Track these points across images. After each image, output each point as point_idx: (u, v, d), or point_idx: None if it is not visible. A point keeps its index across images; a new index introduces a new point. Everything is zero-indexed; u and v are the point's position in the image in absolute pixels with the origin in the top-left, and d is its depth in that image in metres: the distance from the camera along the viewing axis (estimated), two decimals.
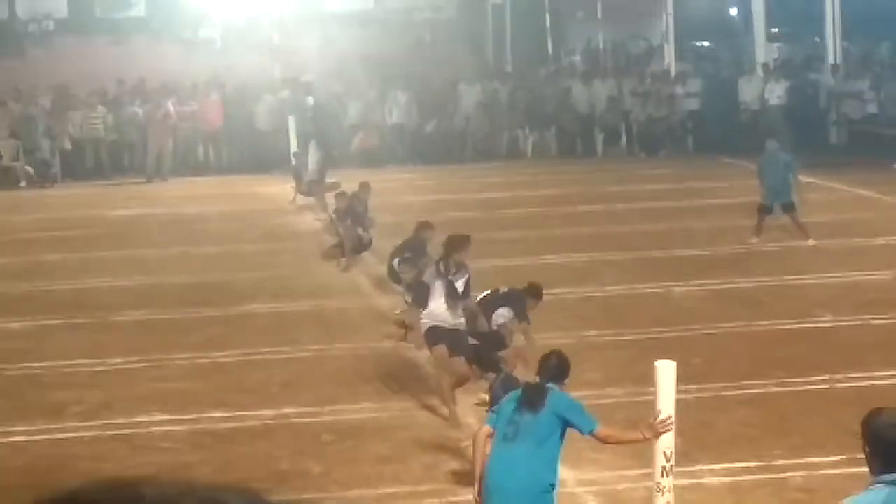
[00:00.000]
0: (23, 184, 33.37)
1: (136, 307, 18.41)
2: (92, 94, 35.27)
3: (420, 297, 13.60)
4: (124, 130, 34.98)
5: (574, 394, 9.61)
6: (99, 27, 40.25)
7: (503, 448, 9.02)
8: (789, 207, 21.56)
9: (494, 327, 13.54)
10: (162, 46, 38.93)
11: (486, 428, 9.27)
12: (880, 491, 6.34)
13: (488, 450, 9.14)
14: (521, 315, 13.62)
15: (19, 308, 18.51)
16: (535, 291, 13.89)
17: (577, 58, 42.27)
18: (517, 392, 9.49)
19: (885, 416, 6.55)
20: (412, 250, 17.37)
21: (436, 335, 13.14)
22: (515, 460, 8.70)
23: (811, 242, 21.16)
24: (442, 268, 13.29)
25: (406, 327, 15.52)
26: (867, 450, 6.52)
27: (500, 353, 13.16)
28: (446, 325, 13.13)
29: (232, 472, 11.44)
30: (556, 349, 9.91)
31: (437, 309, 13.15)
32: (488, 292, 13.95)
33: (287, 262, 21.37)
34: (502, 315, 13.64)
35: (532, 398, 9.15)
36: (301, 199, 26.64)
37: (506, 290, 13.97)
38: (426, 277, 13.79)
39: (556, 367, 9.45)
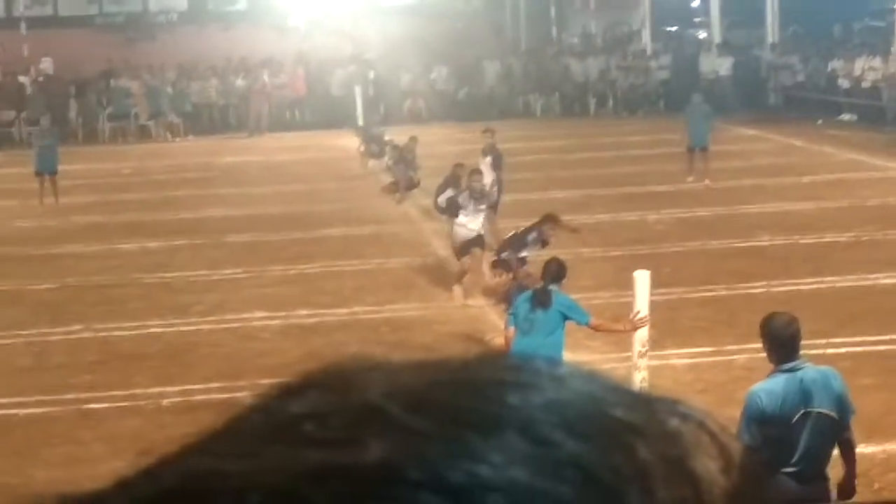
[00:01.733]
0: (156, 136, 33.48)
1: (241, 231, 18.48)
2: (207, 70, 35.29)
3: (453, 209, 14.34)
4: (231, 97, 35.00)
5: (571, 296, 9.67)
6: (211, 17, 40.17)
7: (522, 340, 9.09)
8: (704, 149, 21.41)
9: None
10: (259, 32, 38.80)
11: (512, 329, 9.37)
12: (779, 378, 6.35)
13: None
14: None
15: (154, 231, 18.62)
16: (551, 218, 13.57)
17: (575, 40, 41.93)
18: (528, 294, 9.53)
19: (777, 319, 6.53)
20: (450, 184, 17.39)
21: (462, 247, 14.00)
22: (533, 349, 8.75)
23: (707, 182, 20.88)
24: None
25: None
26: (766, 346, 6.53)
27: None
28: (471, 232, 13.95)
29: (313, 356, 11.50)
30: (554, 256, 10.00)
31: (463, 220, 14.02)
32: (513, 233, 13.63)
33: (354, 197, 21.37)
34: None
35: (542, 299, 9.20)
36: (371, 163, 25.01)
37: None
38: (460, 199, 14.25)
39: (556, 271, 9.51)
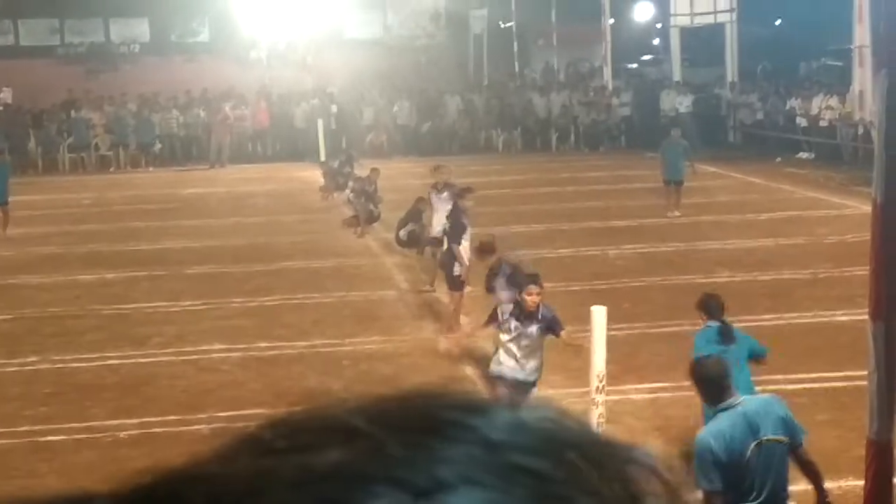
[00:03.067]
0: (113, 168, 33.31)
1: (202, 263, 18.41)
2: (168, 101, 35.21)
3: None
4: (192, 128, 34.92)
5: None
6: (174, 49, 40.21)
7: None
8: (679, 184, 21.97)
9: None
10: (222, 64, 38.85)
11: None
12: (722, 417, 6.39)
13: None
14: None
15: (113, 263, 18.50)
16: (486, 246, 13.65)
17: (537, 75, 42.21)
18: (710, 334, 9.13)
19: (705, 362, 6.70)
20: (411, 218, 17.43)
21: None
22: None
23: (677, 213, 21.49)
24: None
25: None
26: (701, 391, 6.61)
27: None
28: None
29: (273, 389, 11.47)
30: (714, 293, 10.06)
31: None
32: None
33: (316, 230, 21.34)
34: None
35: (728, 335, 8.95)
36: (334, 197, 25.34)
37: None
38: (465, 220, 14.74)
39: (721, 305, 9.38)
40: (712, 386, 6.46)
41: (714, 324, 9.00)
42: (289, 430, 0.63)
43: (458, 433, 0.60)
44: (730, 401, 6.36)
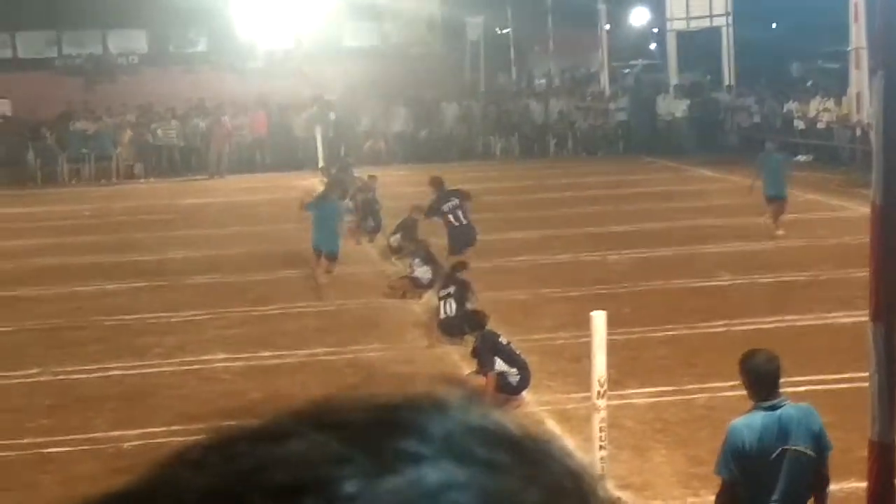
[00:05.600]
0: (114, 179, 33.32)
1: (202, 273, 18.40)
2: (167, 111, 35.21)
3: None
4: (191, 138, 34.91)
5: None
6: (172, 59, 40.22)
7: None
8: (782, 200, 19.84)
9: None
10: (220, 74, 38.88)
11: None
12: (758, 414, 6.35)
13: None
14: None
15: (114, 274, 18.50)
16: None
17: (535, 81, 42.26)
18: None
19: (758, 356, 6.53)
20: (405, 228, 17.47)
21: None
22: None
23: (780, 232, 19.53)
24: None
25: (401, 287, 15.80)
26: (745, 382, 6.52)
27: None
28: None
29: (275, 398, 11.43)
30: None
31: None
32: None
33: None
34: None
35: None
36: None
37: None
38: None
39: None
40: (759, 381, 6.38)
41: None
42: (254, 436, 0.68)
43: (411, 428, 0.64)
44: (773, 401, 6.31)
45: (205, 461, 0.66)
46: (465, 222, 17.05)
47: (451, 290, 13.66)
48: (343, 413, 0.66)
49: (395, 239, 18.06)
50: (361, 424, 0.65)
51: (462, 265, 14.21)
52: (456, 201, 17.11)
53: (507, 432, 0.67)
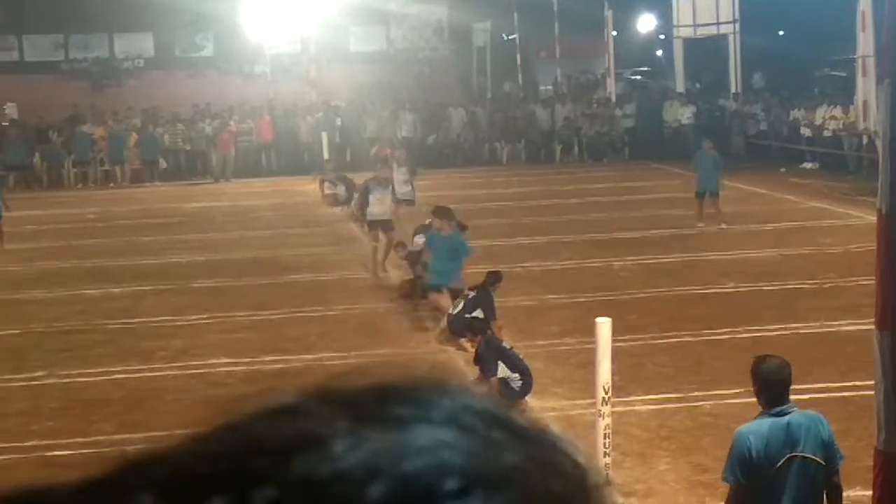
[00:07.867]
0: (119, 182, 33.37)
1: (207, 277, 18.41)
2: (173, 115, 35.25)
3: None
4: (197, 143, 34.95)
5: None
6: (178, 64, 40.28)
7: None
8: (714, 195, 21.80)
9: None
10: (226, 78, 38.95)
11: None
12: (766, 420, 6.33)
13: None
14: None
15: (119, 277, 18.51)
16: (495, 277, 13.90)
17: (541, 87, 42.26)
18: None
19: (769, 362, 6.49)
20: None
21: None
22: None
23: (722, 226, 21.19)
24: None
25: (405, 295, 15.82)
26: (756, 389, 6.48)
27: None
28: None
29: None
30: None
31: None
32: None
33: (320, 243, 21.35)
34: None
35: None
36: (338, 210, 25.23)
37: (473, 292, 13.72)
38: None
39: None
40: (769, 387, 6.36)
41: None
42: (262, 414, 0.72)
43: (411, 398, 0.69)
44: (781, 408, 6.29)
45: (205, 436, 0.72)
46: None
47: (472, 294, 13.62)
48: (344, 389, 0.72)
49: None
50: (359, 394, 0.70)
51: (497, 277, 13.99)
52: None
53: (509, 415, 0.68)
